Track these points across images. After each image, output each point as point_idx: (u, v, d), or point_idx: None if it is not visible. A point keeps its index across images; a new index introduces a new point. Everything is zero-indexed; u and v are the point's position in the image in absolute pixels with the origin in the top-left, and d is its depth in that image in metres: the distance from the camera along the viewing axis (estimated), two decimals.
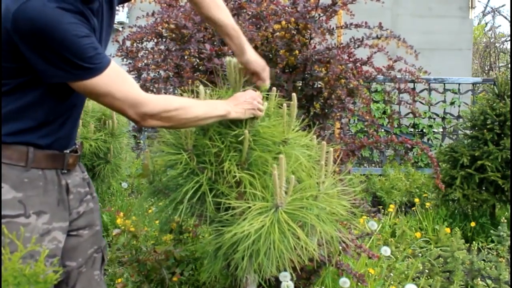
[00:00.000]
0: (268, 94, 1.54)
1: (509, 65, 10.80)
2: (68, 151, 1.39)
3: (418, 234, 3.25)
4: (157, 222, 3.08)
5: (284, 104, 1.47)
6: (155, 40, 2.46)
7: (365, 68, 2.45)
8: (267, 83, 1.61)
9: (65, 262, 1.43)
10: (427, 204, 3.84)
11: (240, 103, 1.44)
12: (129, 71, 2.51)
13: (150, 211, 3.35)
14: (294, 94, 1.45)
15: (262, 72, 1.59)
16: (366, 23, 2.33)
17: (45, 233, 1.32)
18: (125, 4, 2.68)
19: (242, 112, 1.44)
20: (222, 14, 1.57)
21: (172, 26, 2.36)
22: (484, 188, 3.64)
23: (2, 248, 1.03)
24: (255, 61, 1.58)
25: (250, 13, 2.36)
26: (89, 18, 1.26)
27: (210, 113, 1.38)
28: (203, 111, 1.37)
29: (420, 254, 3.16)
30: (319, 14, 2.33)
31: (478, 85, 6.07)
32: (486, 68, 11.59)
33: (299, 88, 2.42)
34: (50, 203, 1.34)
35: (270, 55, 2.32)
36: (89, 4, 1.28)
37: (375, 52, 2.39)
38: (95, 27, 1.31)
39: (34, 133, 1.31)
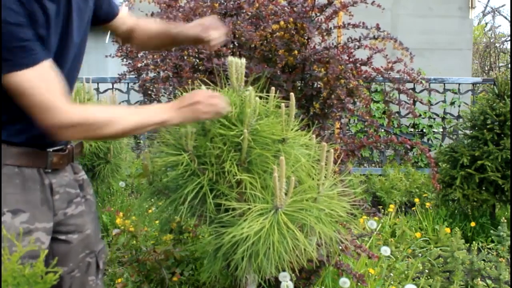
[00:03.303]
0: (267, 94, 1.54)
1: (509, 65, 10.80)
2: (51, 150, 1.32)
3: (418, 234, 3.25)
4: (157, 222, 3.08)
5: (283, 104, 1.47)
6: None
7: (364, 68, 2.45)
8: (219, 32, 1.52)
9: (56, 267, 1.37)
10: (427, 204, 3.84)
11: (187, 106, 1.33)
12: (129, 71, 2.52)
13: (150, 211, 3.35)
14: (292, 94, 1.45)
15: (207, 26, 1.51)
16: (363, 23, 2.34)
17: (26, 232, 1.26)
18: (125, 4, 2.68)
19: (190, 116, 1.33)
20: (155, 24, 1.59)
21: None
22: (484, 188, 3.64)
23: (2, 249, 1.03)
24: (195, 24, 1.52)
25: (249, 13, 2.36)
26: (31, 3, 1.14)
27: (144, 122, 1.28)
28: (135, 122, 1.27)
29: (420, 254, 3.16)
30: (316, 14, 2.33)
31: (478, 85, 6.06)
32: (486, 68, 11.59)
33: (299, 88, 2.42)
34: (31, 202, 1.28)
35: (269, 55, 2.32)
36: None
37: (375, 53, 2.39)
38: (48, 12, 1.19)
39: (7, 129, 1.24)
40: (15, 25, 1.11)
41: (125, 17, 1.60)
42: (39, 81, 1.16)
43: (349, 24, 2.34)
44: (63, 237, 1.38)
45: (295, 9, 2.25)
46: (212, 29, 1.51)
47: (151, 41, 1.63)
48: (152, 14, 2.51)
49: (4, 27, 1.09)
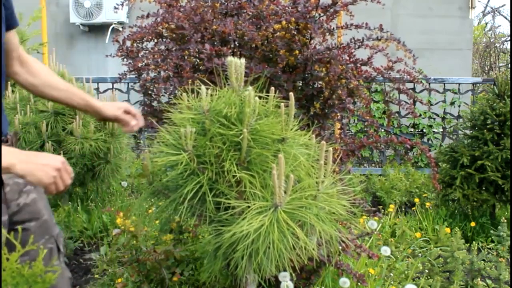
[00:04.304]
0: (267, 94, 1.54)
1: (509, 65, 10.79)
2: None
3: (418, 234, 3.25)
4: (157, 222, 3.08)
5: (282, 104, 1.47)
6: (155, 40, 2.46)
7: (364, 68, 2.45)
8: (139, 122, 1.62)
9: (20, 258, 1.34)
10: (427, 204, 3.84)
11: (36, 162, 1.21)
12: (129, 71, 2.52)
13: (150, 211, 3.35)
14: (291, 94, 1.45)
15: (123, 113, 1.59)
16: (366, 24, 2.33)
17: None
18: (125, 4, 2.68)
19: (36, 171, 1.20)
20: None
21: (172, 26, 2.36)
22: (484, 188, 3.64)
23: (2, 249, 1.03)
24: (110, 106, 1.58)
25: (250, 13, 2.36)
26: None
27: None
28: None
29: (420, 254, 3.16)
30: (319, 14, 2.33)
31: (478, 85, 6.06)
32: (486, 68, 11.59)
33: (299, 88, 2.42)
34: None
35: (270, 55, 2.32)
36: None
37: (375, 53, 2.39)
38: None
39: None
40: None
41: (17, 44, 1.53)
42: None
43: (351, 24, 2.34)
44: (19, 226, 1.35)
45: (298, 8, 2.25)
46: (132, 116, 1.61)
47: (43, 95, 1.61)
48: (148, 16, 2.51)
49: None
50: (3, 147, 1.20)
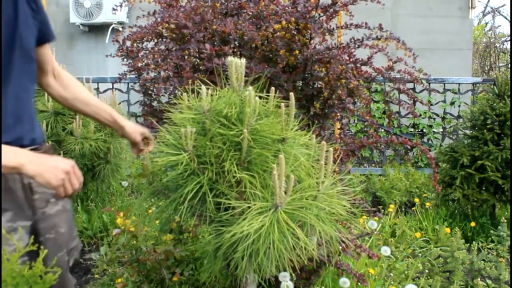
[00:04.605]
0: (267, 94, 1.54)
1: (509, 65, 10.79)
2: (28, 149, 1.30)
3: (418, 234, 3.25)
4: (157, 222, 3.08)
5: (282, 104, 1.47)
6: (155, 40, 2.46)
7: (364, 68, 2.45)
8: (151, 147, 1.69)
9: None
10: (427, 204, 3.84)
11: (46, 164, 1.24)
12: (129, 71, 2.52)
13: (150, 211, 3.35)
14: (291, 94, 1.45)
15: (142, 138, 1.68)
16: (366, 23, 2.33)
17: (11, 230, 1.28)
18: (124, 4, 2.68)
19: (45, 172, 1.22)
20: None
21: (172, 26, 2.36)
22: (484, 188, 3.64)
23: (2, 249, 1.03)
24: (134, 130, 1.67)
25: (250, 13, 2.36)
26: None
27: None
28: None
29: (420, 254, 3.16)
30: (319, 14, 2.33)
31: (478, 85, 6.07)
32: (486, 68, 11.59)
33: (299, 88, 2.42)
34: (13, 201, 1.31)
35: (270, 55, 2.32)
36: None
37: (375, 52, 2.39)
38: None
39: None
40: None
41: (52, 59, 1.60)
42: None
43: (351, 24, 2.34)
44: (41, 238, 1.40)
45: (298, 8, 2.24)
46: (147, 141, 1.70)
47: (73, 108, 1.68)
48: (154, 13, 2.51)
49: None
50: (14, 148, 1.23)
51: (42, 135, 1.49)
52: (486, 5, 13.83)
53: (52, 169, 1.23)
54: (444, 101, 5.84)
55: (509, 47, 11.81)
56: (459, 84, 5.75)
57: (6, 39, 1.30)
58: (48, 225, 1.43)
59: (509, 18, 11.96)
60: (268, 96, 1.52)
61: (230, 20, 2.29)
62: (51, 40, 1.52)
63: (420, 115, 5.95)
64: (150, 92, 2.53)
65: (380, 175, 5.11)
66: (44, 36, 1.48)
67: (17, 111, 1.33)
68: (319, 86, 2.40)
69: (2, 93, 1.28)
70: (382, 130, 5.86)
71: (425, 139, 6.04)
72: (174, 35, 2.42)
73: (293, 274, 1.64)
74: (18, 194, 1.32)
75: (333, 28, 2.38)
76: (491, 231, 3.44)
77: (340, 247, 2.10)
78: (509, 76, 3.86)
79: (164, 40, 2.45)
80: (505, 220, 3.27)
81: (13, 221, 1.30)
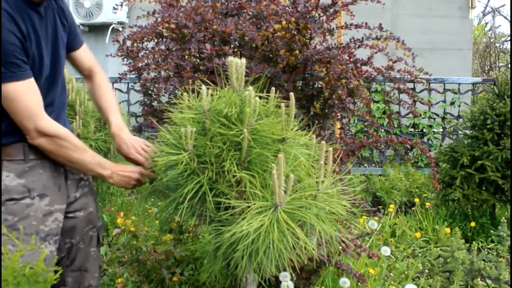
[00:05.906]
0: (267, 94, 1.54)
1: (509, 65, 10.80)
2: None
3: (418, 234, 3.25)
4: (157, 222, 3.08)
5: (282, 104, 1.47)
6: (156, 40, 2.46)
7: (364, 68, 2.45)
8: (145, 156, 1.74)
9: (66, 239, 1.68)
10: (427, 204, 3.85)
11: (125, 174, 1.62)
12: (129, 71, 2.52)
13: (150, 211, 3.35)
14: (292, 94, 1.45)
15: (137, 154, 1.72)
16: (366, 23, 2.33)
17: (48, 214, 1.54)
18: (124, 4, 2.68)
19: (121, 181, 1.62)
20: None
21: (173, 26, 2.36)
22: (484, 188, 3.64)
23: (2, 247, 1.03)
24: (131, 145, 1.72)
25: (250, 13, 2.36)
26: (23, 22, 1.41)
27: (92, 166, 1.58)
28: (87, 161, 1.57)
29: (420, 254, 3.16)
30: (319, 14, 2.33)
31: (478, 85, 6.07)
32: (486, 68, 11.59)
33: (299, 88, 2.42)
34: (51, 187, 1.57)
35: (271, 55, 2.32)
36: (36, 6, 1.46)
37: (375, 52, 2.39)
38: (37, 31, 1.46)
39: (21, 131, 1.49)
40: (13, 45, 1.38)
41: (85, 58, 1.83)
42: (26, 92, 1.44)
43: (351, 24, 2.34)
44: (71, 214, 1.68)
45: (298, 8, 2.24)
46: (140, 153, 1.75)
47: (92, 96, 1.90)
48: (154, 13, 2.51)
49: (4, 46, 1.37)
50: (103, 160, 1.61)
51: (72, 131, 1.69)
52: (486, 5, 13.82)
53: (127, 179, 1.62)
54: (444, 101, 5.84)
55: (509, 47, 11.82)
56: (459, 84, 5.75)
57: (51, 59, 1.56)
58: (78, 206, 1.71)
59: (509, 18, 11.97)
60: (268, 96, 1.52)
61: (230, 20, 2.29)
62: (79, 47, 1.76)
63: (420, 115, 5.94)
64: (150, 92, 2.53)
65: (380, 175, 5.11)
66: (70, 44, 1.72)
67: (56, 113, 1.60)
68: (319, 86, 2.40)
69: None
70: (382, 130, 5.86)
71: (425, 139, 6.04)
72: (174, 35, 2.42)
73: (293, 274, 1.64)
74: (56, 181, 1.59)
75: (333, 28, 2.38)
76: (491, 231, 3.44)
77: (340, 247, 2.10)
78: (509, 76, 3.86)
79: (165, 40, 2.44)
80: (505, 220, 3.27)
81: (51, 205, 1.55)
